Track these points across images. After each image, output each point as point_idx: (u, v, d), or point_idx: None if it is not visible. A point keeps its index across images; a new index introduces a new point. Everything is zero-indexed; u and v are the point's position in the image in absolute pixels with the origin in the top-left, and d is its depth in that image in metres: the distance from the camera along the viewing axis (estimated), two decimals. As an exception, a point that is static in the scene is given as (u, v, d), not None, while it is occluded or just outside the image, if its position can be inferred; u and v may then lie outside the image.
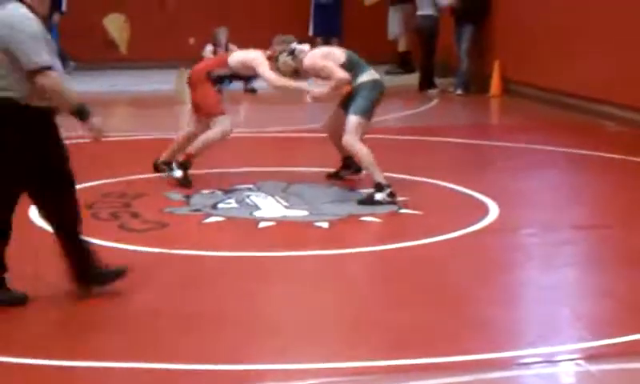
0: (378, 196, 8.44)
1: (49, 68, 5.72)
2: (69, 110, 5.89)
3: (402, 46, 17.97)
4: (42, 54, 5.71)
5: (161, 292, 6.26)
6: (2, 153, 5.75)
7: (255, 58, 9.27)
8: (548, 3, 14.55)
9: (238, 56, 9.56)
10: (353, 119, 8.68)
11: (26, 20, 5.72)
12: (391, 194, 8.46)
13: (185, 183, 9.06)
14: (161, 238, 7.44)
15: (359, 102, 8.73)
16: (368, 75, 8.88)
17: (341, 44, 17.65)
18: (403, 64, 17.99)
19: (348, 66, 8.86)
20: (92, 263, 6.11)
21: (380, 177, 8.54)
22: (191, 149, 9.24)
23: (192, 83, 9.54)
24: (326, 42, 17.08)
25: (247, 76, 9.81)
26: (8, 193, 5.87)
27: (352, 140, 8.66)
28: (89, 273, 6.09)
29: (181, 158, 9.25)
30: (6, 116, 5.73)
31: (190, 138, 9.42)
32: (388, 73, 16.85)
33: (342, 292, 6.40)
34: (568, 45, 13.94)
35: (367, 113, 8.76)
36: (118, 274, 6.16)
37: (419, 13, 16.31)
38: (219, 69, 9.53)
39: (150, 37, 17.80)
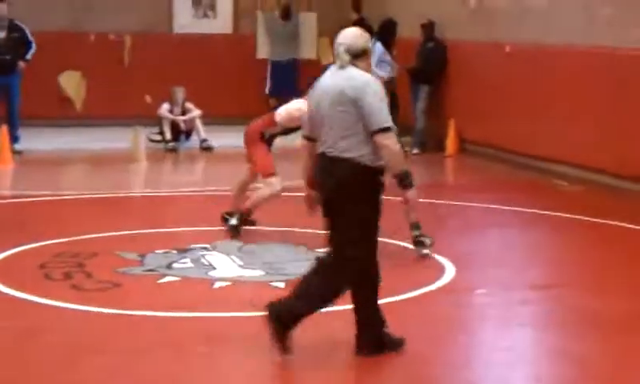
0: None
1: (389, 129, 5.89)
2: (397, 172, 6.05)
3: None
4: (386, 115, 5.91)
5: (114, 354, 6.17)
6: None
7: (299, 107, 9.34)
8: (501, 65, 14.69)
9: (282, 110, 9.78)
10: None
11: (372, 82, 5.95)
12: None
13: (234, 232, 9.36)
14: (114, 298, 7.35)
15: None
16: None
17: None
18: None
19: None
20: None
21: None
22: (248, 203, 9.64)
23: (246, 142, 9.87)
24: (284, 101, 17.30)
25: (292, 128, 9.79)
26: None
27: None
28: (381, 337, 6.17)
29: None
30: (351, 176, 5.92)
31: (242, 187, 9.84)
32: None
33: (298, 353, 6.33)
34: (522, 105, 14.07)
35: None
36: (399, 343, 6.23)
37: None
38: (270, 128, 9.77)
39: (106, 94, 17.74)
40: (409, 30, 16.23)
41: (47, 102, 17.35)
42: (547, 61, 13.59)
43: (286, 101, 16.74)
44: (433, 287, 7.75)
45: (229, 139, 16.53)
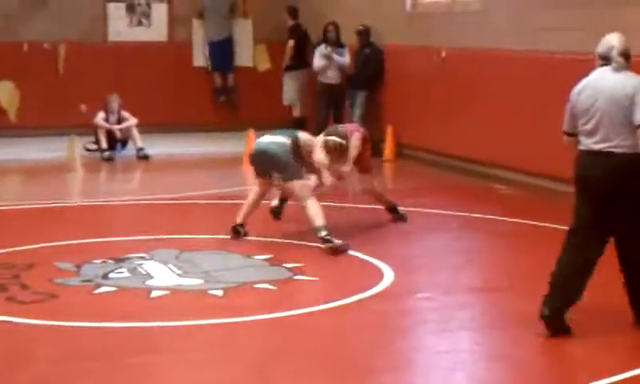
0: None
1: None
2: None
3: (296, 112, 18.05)
4: None
5: (47, 364, 6.08)
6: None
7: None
8: (438, 69, 14.76)
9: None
10: None
11: None
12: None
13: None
14: (50, 309, 7.25)
15: None
16: None
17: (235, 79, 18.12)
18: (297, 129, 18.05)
19: None
20: None
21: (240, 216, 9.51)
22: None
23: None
24: (223, 76, 18.66)
25: None
26: None
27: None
28: None
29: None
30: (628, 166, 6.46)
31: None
32: None
33: (236, 361, 6.29)
34: (459, 110, 14.15)
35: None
36: None
37: (322, 80, 16.45)
38: None
39: (41, 104, 17.54)
40: (346, 36, 16.26)
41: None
42: (483, 65, 13.68)
43: (225, 75, 17.93)
44: (371, 292, 7.75)
45: (165, 148, 16.48)
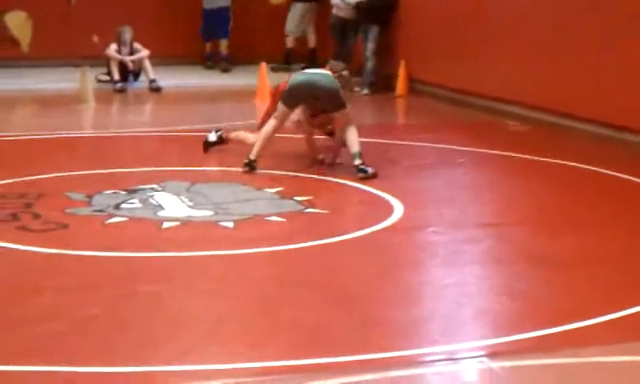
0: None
1: None
2: None
3: (289, 43, 18.15)
4: None
5: (60, 294, 6.13)
6: None
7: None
8: (452, 5, 14.68)
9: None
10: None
11: None
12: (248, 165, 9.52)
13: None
14: (61, 239, 7.30)
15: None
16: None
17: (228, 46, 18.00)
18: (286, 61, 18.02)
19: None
20: None
21: (254, 152, 9.57)
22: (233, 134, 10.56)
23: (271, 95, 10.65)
24: (214, 45, 18.27)
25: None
26: None
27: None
28: None
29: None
30: None
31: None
32: (274, 69, 16.64)
33: (246, 292, 6.34)
34: (472, 45, 14.09)
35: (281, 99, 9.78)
36: None
37: (336, 13, 16.41)
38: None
39: (53, 35, 17.52)
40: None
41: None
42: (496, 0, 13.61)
43: (218, 44, 17.63)
44: (381, 226, 7.78)
45: (177, 80, 16.47)
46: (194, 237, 7.50)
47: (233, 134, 10.48)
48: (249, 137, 10.21)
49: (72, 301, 6.01)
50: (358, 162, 9.46)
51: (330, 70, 9.90)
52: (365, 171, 9.38)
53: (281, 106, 9.72)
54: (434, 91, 15.14)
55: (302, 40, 18.22)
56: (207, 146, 10.44)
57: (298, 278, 6.65)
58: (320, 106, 9.80)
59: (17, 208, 8.09)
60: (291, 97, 9.71)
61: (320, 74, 9.82)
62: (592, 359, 5.33)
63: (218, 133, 10.51)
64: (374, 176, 9.37)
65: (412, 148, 11.36)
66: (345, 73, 9.97)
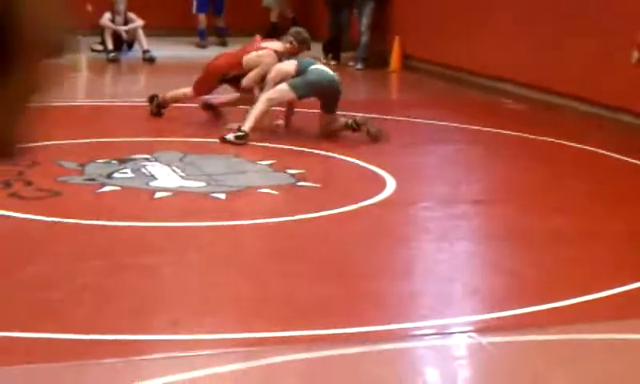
0: (230, 136, 9.47)
1: None
2: None
3: (273, 17, 18.16)
4: None
5: (51, 262, 6.13)
6: None
7: (282, 67, 9.88)
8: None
9: (252, 57, 10.22)
10: (282, 85, 9.63)
11: None
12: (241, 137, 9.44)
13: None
14: (53, 206, 7.30)
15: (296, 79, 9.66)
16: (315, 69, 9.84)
17: (226, 21, 17.96)
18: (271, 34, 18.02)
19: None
20: None
21: (247, 126, 9.44)
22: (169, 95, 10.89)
23: (205, 71, 10.70)
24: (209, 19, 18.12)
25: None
26: None
27: (264, 96, 9.64)
28: None
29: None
30: None
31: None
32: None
33: (238, 264, 6.35)
34: (468, 22, 14.07)
35: (295, 87, 9.60)
36: None
37: None
38: (235, 70, 10.32)
39: (47, 3, 17.44)
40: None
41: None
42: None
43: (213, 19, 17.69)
44: (373, 200, 7.78)
45: (171, 50, 16.43)
46: (185, 207, 7.50)
47: (168, 95, 10.79)
48: (180, 91, 10.74)
49: (62, 270, 6.01)
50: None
51: (292, 36, 10.33)
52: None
53: (288, 91, 9.61)
54: (428, 67, 15.12)
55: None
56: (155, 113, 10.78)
57: (289, 250, 6.65)
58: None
59: (9, 175, 8.07)
60: (312, 92, 9.73)
61: (337, 76, 9.94)
62: (580, 336, 5.35)
63: (154, 101, 10.82)
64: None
65: (405, 124, 11.35)
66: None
